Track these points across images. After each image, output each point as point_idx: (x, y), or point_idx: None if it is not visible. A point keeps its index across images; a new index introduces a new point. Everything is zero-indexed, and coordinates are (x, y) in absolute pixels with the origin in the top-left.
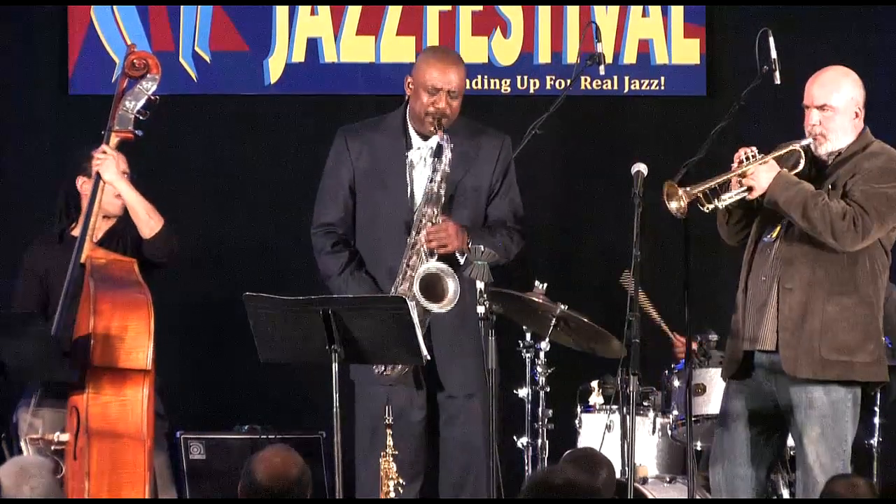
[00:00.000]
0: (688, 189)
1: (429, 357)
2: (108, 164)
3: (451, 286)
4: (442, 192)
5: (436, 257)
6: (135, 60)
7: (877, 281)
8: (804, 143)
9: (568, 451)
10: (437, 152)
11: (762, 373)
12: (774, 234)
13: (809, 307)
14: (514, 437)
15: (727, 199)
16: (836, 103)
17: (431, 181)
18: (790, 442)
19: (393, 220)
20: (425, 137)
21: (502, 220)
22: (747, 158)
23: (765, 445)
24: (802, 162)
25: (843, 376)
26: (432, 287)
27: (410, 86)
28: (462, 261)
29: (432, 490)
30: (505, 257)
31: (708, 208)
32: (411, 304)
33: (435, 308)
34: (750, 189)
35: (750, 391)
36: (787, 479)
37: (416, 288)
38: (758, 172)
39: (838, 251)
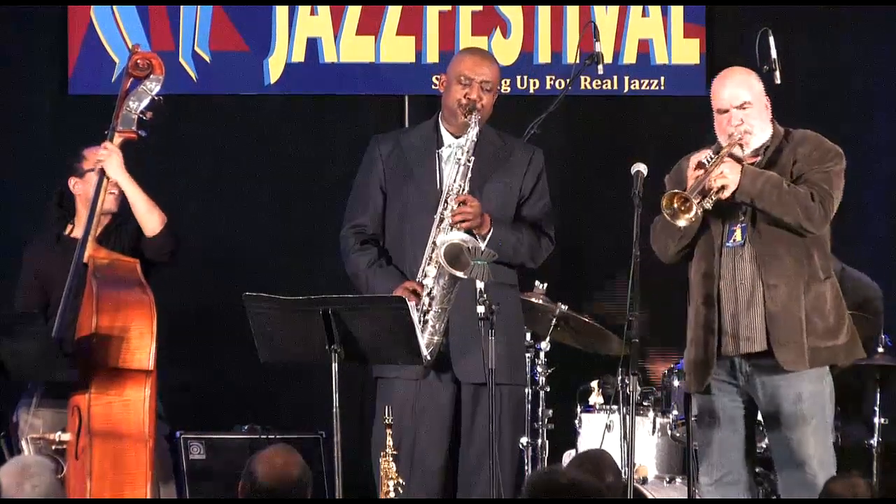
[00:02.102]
0: (693, 198)
1: (429, 357)
2: (112, 160)
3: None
4: (470, 164)
5: (458, 229)
6: (138, 61)
7: (832, 263)
8: (735, 139)
9: (579, 453)
10: (470, 150)
11: (742, 376)
12: (739, 237)
13: (794, 299)
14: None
15: (710, 200)
16: (752, 98)
17: (459, 153)
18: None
19: (422, 216)
20: (457, 136)
21: (533, 223)
22: (707, 161)
23: (744, 447)
24: (744, 157)
25: (830, 361)
26: (456, 258)
27: (444, 83)
28: (483, 244)
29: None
30: (532, 257)
31: (697, 213)
32: (410, 305)
33: (462, 274)
34: (723, 188)
35: (727, 392)
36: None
37: (441, 259)
38: (726, 171)
39: (805, 236)
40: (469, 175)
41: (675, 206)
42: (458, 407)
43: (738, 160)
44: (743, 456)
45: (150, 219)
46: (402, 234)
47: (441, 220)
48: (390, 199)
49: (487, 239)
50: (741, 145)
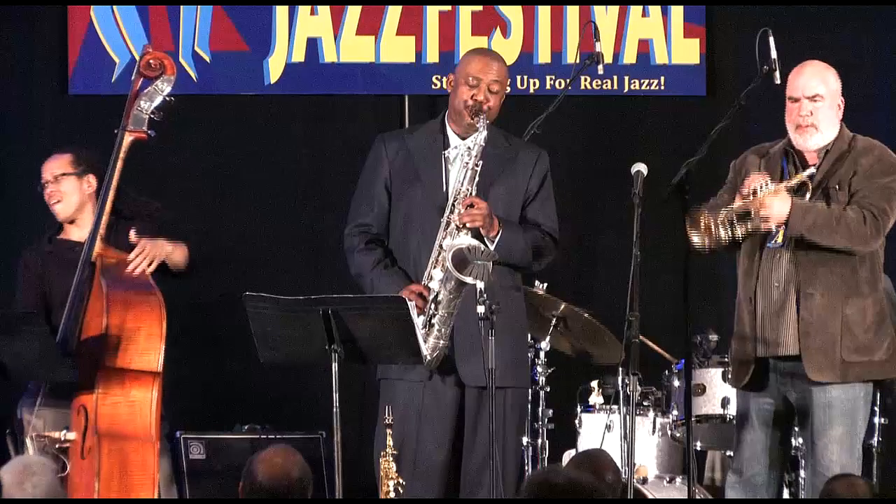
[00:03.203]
0: (713, 221)
1: (429, 357)
2: (160, 251)
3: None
4: (477, 168)
5: (466, 233)
6: (151, 61)
7: (881, 277)
8: (808, 172)
9: (578, 452)
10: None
11: (777, 377)
12: (781, 239)
13: (830, 311)
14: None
15: (744, 231)
16: (825, 93)
17: (468, 156)
18: (794, 442)
19: (427, 216)
20: (463, 138)
21: (538, 224)
22: (760, 188)
23: (779, 449)
24: (809, 194)
25: (863, 376)
26: (464, 262)
27: (451, 83)
28: (492, 247)
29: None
30: (536, 259)
31: (725, 239)
32: (410, 305)
33: (470, 280)
34: (766, 219)
35: (763, 394)
36: (787, 478)
37: (448, 264)
38: (772, 204)
39: (855, 255)
40: (476, 179)
41: (703, 223)
42: (462, 410)
43: (802, 193)
44: (772, 459)
45: (179, 266)
46: (408, 235)
47: (448, 224)
48: (395, 200)
49: (496, 242)
50: (801, 139)
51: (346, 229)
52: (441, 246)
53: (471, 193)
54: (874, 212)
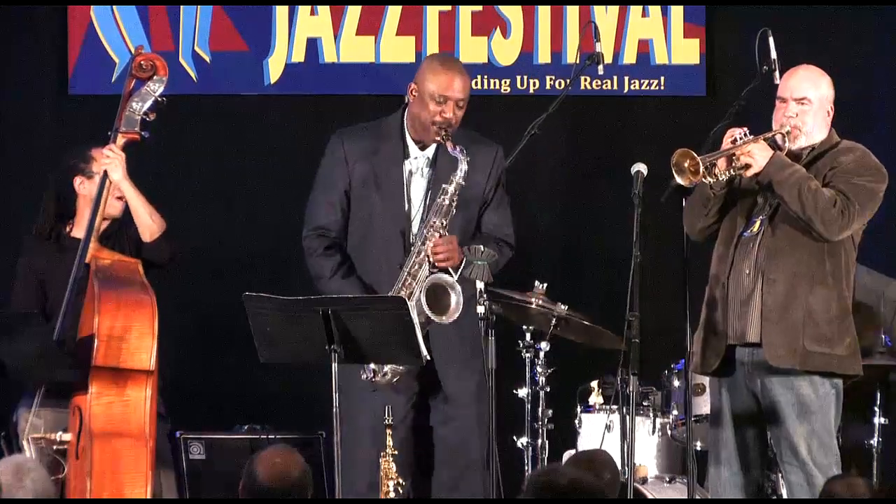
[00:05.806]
0: (703, 161)
1: (429, 357)
2: (116, 164)
3: (454, 300)
4: (453, 205)
5: (436, 270)
6: (142, 62)
7: (850, 276)
8: (784, 129)
9: (576, 452)
10: (434, 162)
11: (745, 370)
12: (756, 228)
13: (792, 297)
14: (514, 437)
15: (727, 173)
16: (814, 97)
17: (444, 193)
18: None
19: (387, 230)
20: (422, 146)
21: (493, 231)
22: (740, 138)
23: (753, 446)
24: (784, 148)
25: (823, 367)
26: (436, 298)
27: (414, 93)
28: (456, 277)
29: (424, 492)
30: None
31: (709, 181)
32: (411, 304)
33: (437, 319)
34: (747, 166)
35: (734, 391)
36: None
37: (421, 296)
38: (754, 151)
39: (821, 240)
40: (451, 214)
41: (686, 164)
42: (429, 422)
43: (777, 148)
44: (750, 458)
45: (149, 224)
46: (366, 245)
47: (419, 252)
48: (355, 204)
49: (460, 270)
50: (783, 135)
51: (305, 231)
52: (409, 273)
53: (444, 226)
54: (846, 201)
